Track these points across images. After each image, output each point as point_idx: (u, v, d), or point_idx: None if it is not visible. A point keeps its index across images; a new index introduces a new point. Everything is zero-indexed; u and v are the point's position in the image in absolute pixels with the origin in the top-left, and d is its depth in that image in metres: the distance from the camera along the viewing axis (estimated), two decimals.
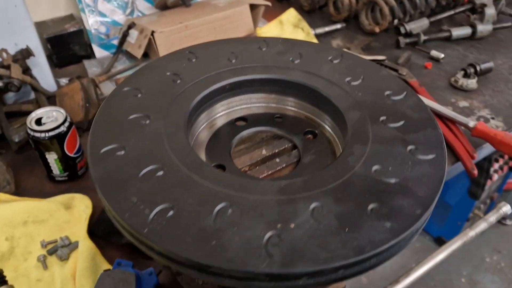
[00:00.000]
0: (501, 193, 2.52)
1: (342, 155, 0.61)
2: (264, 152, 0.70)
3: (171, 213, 0.52)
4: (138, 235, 0.51)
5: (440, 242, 2.54)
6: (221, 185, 0.56)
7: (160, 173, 0.57)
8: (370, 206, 0.54)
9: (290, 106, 0.78)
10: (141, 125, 0.63)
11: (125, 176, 0.57)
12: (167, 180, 0.56)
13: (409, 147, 0.61)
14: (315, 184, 0.56)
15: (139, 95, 0.68)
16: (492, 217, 0.91)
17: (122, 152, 0.59)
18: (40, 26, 1.46)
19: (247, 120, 0.75)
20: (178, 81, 0.71)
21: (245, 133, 0.74)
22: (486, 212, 2.57)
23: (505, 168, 2.27)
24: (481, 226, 0.90)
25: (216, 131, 0.74)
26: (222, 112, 0.76)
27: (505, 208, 0.92)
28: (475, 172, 1.17)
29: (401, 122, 0.65)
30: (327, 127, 0.74)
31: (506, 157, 2.23)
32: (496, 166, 2.18)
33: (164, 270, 0.96)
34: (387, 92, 0.71)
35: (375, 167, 0.58)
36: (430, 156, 0.60)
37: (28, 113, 1.33)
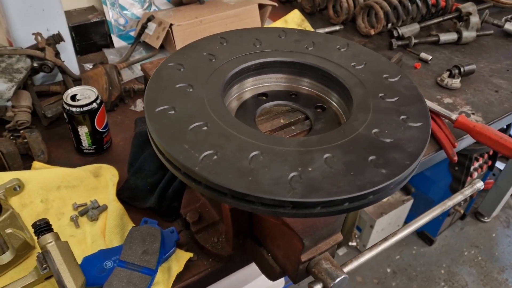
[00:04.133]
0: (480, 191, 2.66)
1: (348, 120, 0.74)
2: (282, 121, 0.83)
3: (215, 157, 0.64)
4: (191, 172, 0.63)
5: (423, 236, 2.67)
6: (254, 139, 0.68)
7: (205, 128, 0.69)
8: (370, 158, 0.66)
9: (304, 85, 0.91)
10: (186, 92, 0.76)
11: (177, 130, 0.68)
12: (211, 133, 0.68)
13: (402, 117, 0.74)
14: (327, 140, 0.69)
15: (182, 70, 0.81)
16: (467, 191, 1.03)
17: (173, 112, 0.71)
18: (65, 15, 1.58)
19: (268, 96, 0.88)
20: (213, 60, 0.84)
21: (267, 105, 0.86)
22: (467, 209, 2.72)
23: (485, 167, 2.39)
24: (458, 198, 1.02)
25: (243, 103, 0.86)
26: (248, 88, 0.89)
27: (479, 184, 1.05)
28: (455, 158, 1.31)
29: (396, 98, 0.79)
30: (334, 103, 0.87)
31: (486, 156, 2.37)
32: (476, 164, 2.30)
33: (184, 230, 1.08)
34: (385, 75, 0.84)
35: (374, 130, 0.72)
36: (418, 124, 0.73)
37: (55, 93, 1.45)
